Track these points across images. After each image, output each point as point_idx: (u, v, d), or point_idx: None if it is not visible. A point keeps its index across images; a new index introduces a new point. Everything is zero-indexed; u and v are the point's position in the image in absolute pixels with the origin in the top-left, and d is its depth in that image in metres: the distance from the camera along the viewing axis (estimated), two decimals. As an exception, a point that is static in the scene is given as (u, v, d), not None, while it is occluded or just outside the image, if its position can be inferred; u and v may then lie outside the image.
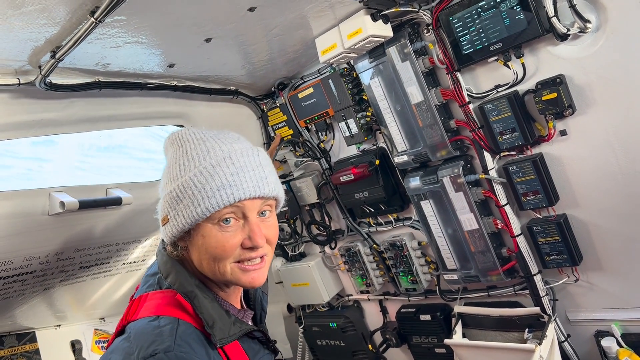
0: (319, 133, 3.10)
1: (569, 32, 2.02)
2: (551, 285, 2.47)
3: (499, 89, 2.29)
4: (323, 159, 3.10)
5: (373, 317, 3.35)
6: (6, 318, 2.98)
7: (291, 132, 3.16)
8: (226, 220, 1.38)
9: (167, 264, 1.46)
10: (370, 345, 3.29)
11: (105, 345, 3.48)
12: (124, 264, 3.17)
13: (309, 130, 3.14)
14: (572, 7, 1.97)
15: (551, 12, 2.00)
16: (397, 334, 3.09)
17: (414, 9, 2.30)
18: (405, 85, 2.47)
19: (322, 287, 3.32)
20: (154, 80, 2.47)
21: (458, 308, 2.69)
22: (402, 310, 3.05)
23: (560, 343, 2.47)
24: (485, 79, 2.34)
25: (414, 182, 2.62)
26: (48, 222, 2.40)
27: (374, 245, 3.03)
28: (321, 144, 3.11)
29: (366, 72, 2.61)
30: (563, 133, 2.21)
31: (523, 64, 2.18)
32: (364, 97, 2.73)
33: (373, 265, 3.08)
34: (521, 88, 2.24)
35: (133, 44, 2.00)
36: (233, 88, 2.99)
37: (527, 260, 2.43)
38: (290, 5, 2.09)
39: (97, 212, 2.57)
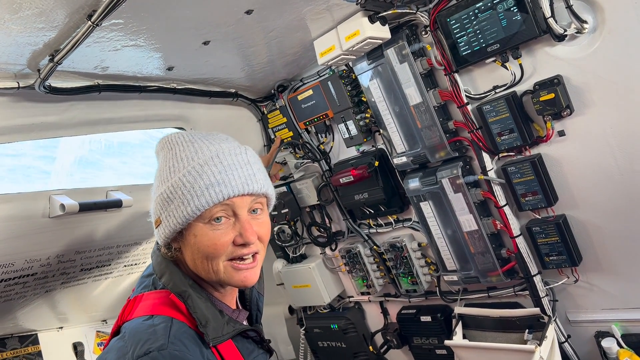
0: (319, 135, 3.10)
1: (566, 33, 2.02)
2: (551, 286, 2.46)
3: (497, 90, 2.29)
4: (323, 160, 3.10)
5: (374, 319, 3.35)
6: (8, 320, 2.99)
7: (291, 134, 3.17)
8: (217, 219, 1.40)
9: (162, 264, 1.48)
10: (371, 347, 3.30)
11: (107, 347, 3.48)
12: (125, 265, 3.19)
13: (308, 132, 3.15)
14: (569, 7, 1.96)
15: (548, 13, 2.00)
16: (398, 336, 3.09)
17: (411, 11, 2.30)
18: (403, 87, 2.47)
19: (323, 288, 3.32)
20: (153, 83, 2.48)
21: (458, 309, 2.69)
22: (402, 312, 3.05)
23: (560, 344, 2.46)
24: (483, 80, 2.34)
25: (413, 184, 2.62)
26: (48, 225, 2.42)
27: (374, 247, 3.03)
28: (321, 145, 3.11)
29: (365, 73, 2.61)
30: (561, 133, 2.21)
31: (521, 65, 2.18)
32: (362, 98, 2.74)
33: (373, 266, 3.09)
34: (519, 89, 2.24)
35: (131, 47, 2.01)
36: (233, 90, 3.00)
37: (526, 261, 2.42)
38: (287, 7, 2.09)
39: (97, 215, 2.58)
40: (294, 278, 3.42)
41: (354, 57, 2.48)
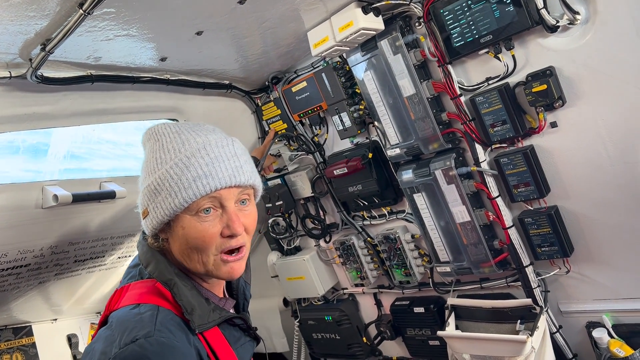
0: (313, 127, 3.10)
1: (558, 24, 2.03)
2: (543, 277, 2.48)
3: (490, 82, 2.30)
4: (317, 152, 3.11)
5: (368, 310, 3.37)
6: (2, 312, 3.00)
7: (285, 126, 3.17)
8: (205, 211, 1.40)
9: (147, 254, 1.49)
10: (365, 338, 3.31)
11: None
12: (119, 257, 3.19)
13: (302, 124, 3.15)
14: (561, -2, 1.97)
15: (540, 4, 2.00)
16: (392, 327, 3.11)
17: (405, 2, 2.31)
18: (397, 78, 2.48)
19: (318, 280, 3.33)
20: (147, 74, 2.47)
21: (451, 300, 2.70)
22: (396, 303, 3.07)
23: (552, 334, 2.48)
24: (476, 72, 2.35)
25: (407, 175, 2.62)
26: (41, 216, 2.41)
27: (368, 239, 3.04)
28: (315, 137, 3.11)
29: (359, 65, 2.61)
30: (553, 125, 2.22)
31: (513, 56, 2.19)
32: (356, 90, 2.74)
33: (367, 258, 3.10)
34: (512, 80, 2.25)
35: (124, 37, 2.00)
36: (227, 82, 2.99)
37: (518, 252, 2.44)
38: (280, -3, 2.09)
39: (91, 206, 2.58)
40: (288, 270, 3.43)
41: (348, 48, 2.48)
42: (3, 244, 2.40)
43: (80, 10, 1.62)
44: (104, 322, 1.40)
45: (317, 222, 3.29)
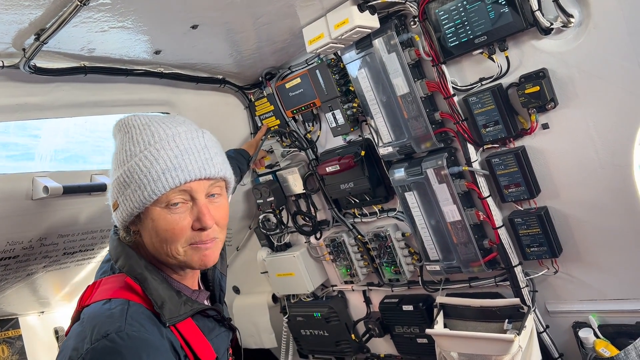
0: (306, 123, 3.10)
1: (552, 26, 2.04)
2: (531, 277, 2.50)
3: (484, 82, 2.32)
4: (309, 149, 3.11)
5: (357, 308, 3.38)
6: (-12, 304, 2.97)
7: (278, 122, 3.17)
8: (174, 204, 1.40)
9: (117, 248, 1.49)
10: (353, 335, 3.32)
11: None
12: (108, 250, 3.16)
13: (295, 120, 3.15)
14: (556, 1, 1.99)
15: (535, 6, 2.02)
16: (380, 324, 3.13)
17: (400, 1, 2.31)
18: (391, 77, 2.48)
19: (307, 277, 3.34)
20: (140, 67, 2.46)
21: (440, 299, 2.72)
22: (385, 301, 3.08)
23: (539, 334, 2.51)
24: (470, 72, 2.36)
25: (399, 174, 2.64)
26: (31, 207, 2.39)
27: (359, 236, 3.05)
28: (308, 134, 3.12)
29: (353, 63, 2.62)
30: (545, 126, 2.24)
31: (507, 57, 2.20)
32: (350, 88, 2.75)
33: (357, 255, 3.11)
34: (505, 81, 2.27)
35: (119, 28, 1.99)
36: (220, 77, 2.99)
37: (508, 251, 2.46)
38: (277, -7, 2.09)
39: (81, 198, 2.56)
40: (278, 266, 3.44)
41: (343, 45, 2.49)
42: (-8, 235, 2.39)
43: (76, 0, 1.61)
44: (76, 318, 1.40)
45: (308, 219, 3.29)
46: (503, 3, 2.08)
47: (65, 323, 3.45)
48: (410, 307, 2.92)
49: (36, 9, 1.67)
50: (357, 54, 2.57)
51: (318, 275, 3.40)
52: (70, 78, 2.21)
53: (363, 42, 2.51)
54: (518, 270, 2.48)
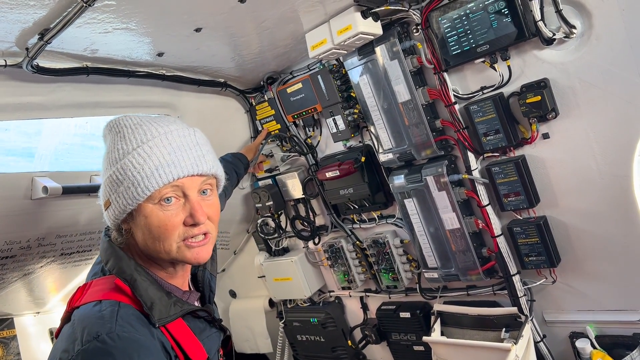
0: (307, 128, 3.11)
1: (554, 37, 2.06)
2: (529, 286, 2.50)
3: (485, 91, 2.32)
4: (309, 154, 3.11)
5: (354, 314, 3.38)
6: (-16, 303, 2.96)
7: (279, 126, 3.17)
8: (167, 200, 1.42)
9: (107, 250, 1.50)
10: (349, 342, 3.32)
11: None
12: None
13: (296, 125, 3.15)
14: (559, 12, 2.00)
15: (538, 17, 2.03)
16: (377, 331, 3.12)
17: (403, 8, 2.32)
18: (392, 84, 2.49)
19: (305, 282, 3.34)
20: (143, 69, 2.46)
21: (437, 306, 2.72)
22: (382, 307, 3.08)
23: (536, 343, 2.51)
24: (472, 80, 2.37)
25: (398, 181, 2.64)
26: (30, 207, 2.38)
27: (357, 242, 3.05)
28: (308, 139, 3.12)
29: (355, 69, 2.62)
30: (546, 136, 2.25)
31: (509, 67, 2.21)
32: (352, 94, 2.75)
33: (355, 262, 3.10)
34: (506, 90, 2.28)
35: (122, 30, 1.99)
36: (222, 80, 2.99)
37: (506, 260, 2.46)
38: (281, -2, 2.10)
39: (80, 199, 2.55)
40: (276, 271, 3.43)
41: (345, 51, 2.49)
42: (-10, 234, 2.38)
43: (81, 1, 1.61)
44: (66, 319, 1.41)
45: (306, 224, 3.29)
46: (506, 13, 2.09)
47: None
48: (407, 314, 2.91)
49: (41, 8, 1.67)
50: (360, 60, 2.58)
51: (315, 281, 3.40)
52: (73, 78, 2.22)
53: (365, 49, 2.52)
54: (516, 279, 2.47)
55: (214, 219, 1.52)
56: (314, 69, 2.88)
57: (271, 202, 3.25)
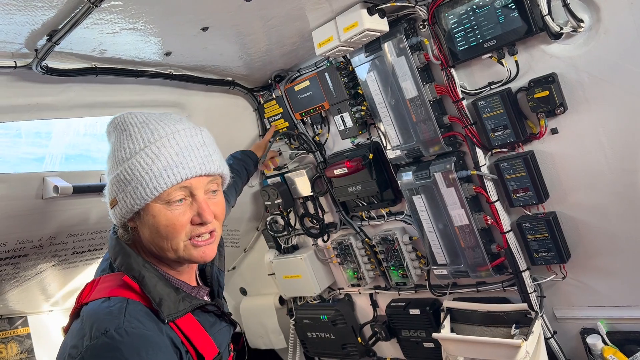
0: (314, 126, 3.11)
1: (562, 31, 2.04)
2: (539, 282, 2.48)
3: (493, 86, 2.31)
4: (318, 152, 3.12)
5: (363, 311, 3.38)
6: (-2, 301, 3.00)
7: (287, 124, 3.18)
8: (176, 200, 1.43)
9: (115, 247, 1.51)
10: (359, 338, 3.32)
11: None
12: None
13: (304, 123, 3.16)
14: (566, 6, 1.98)
15: (545, 11, 2.02)
16: (387, 328, 3.12)
17: (410, 4, 2.32)
18: (400, 80, 2.49)
19: (314, 279, 3.34)
20: (151, 68, 2.48)
21: (447, 303, 2.71)
22: (392, 304, 3.08)
23: (546, 339, 2.50)
24: (479, 76, 2.36)
25: (407, 177, 2.63)
26: (41, 206, 2.41)
27: (366, 239, 3.05)
28: (316, 137, 3.12)
29: (362, 66, 2.62)
30: (554, 131, 2.23)
31: (516, 62, 2.20)
32: (359, 91, 2.75)
33: (364, 259, 3.11)
34: (514, 85, 2.26)
35: (130, 30, 2.00)
36: (230, 79, 3.00)
37: (516, 256, 2.45)
38: (287, -4, 2.10)
39: (91, 198, 2.57)
40: (285, 268, 3.44)
41: (352, 48, 2.49)
42: (2, 234, 2.40)
43: (88, 2, 1.63)
44: (75, 315, 1.42)
45: (315, 221, 3.30)
46: (513, 7, 2.08)
47: (73, 322, 3.47)
48: (417, 311, 2.91)
49: (49, 10, 1.69)
50: (367, 57, 2.57)
51: (325, 278, 3.40)
52: (82, 79, 2.24)
53: (372, 46, 2.52)
54: (526, 276, 2.46)
55: (220, 217, 1.54)
56: (321, 66, 2.88)
57: (280, 200, 3.26)
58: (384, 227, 3.02)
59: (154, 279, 1.45)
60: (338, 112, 2.85)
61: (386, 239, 2.92)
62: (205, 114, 3.03)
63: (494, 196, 2.42)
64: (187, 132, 1.48)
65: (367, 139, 2.90)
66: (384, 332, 3.12)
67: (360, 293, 3.33)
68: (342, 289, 3.44)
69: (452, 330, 2.66)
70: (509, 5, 2.08)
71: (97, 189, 2.55)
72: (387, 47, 2.46)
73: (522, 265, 2.46)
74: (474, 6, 2.17)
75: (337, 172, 2.85)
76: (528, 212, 2.40)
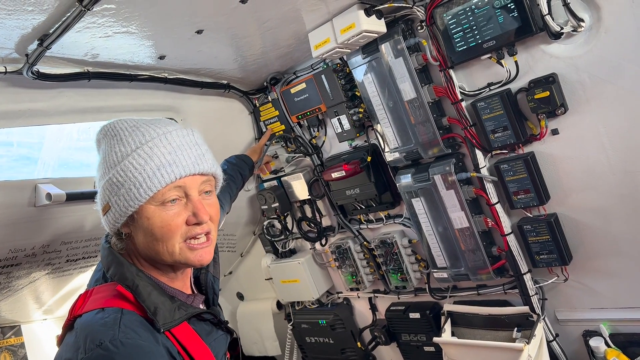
0: (311, 129, 3.08)
1: (562, 31, 2.01)
2: (541, 285, 2.46)
3: (492, 87, 2.28)
4: (315, 155, 3.08)
5: (363, 315, 3.35)
6: (-9, 311, 2.95)
7: (283, 127, 3.14)
8: (170, 200, 1.41)
9: (108, 257, 1.48)
10: (359, 343, 3.29)
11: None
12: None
13: (301, 126, 3.12)
14: (566, 5, 1.96)
15: (545, 10, 1.99)
16: (387, 332, 3.09)
17: (407, 5, 2.29)
18: (398, 82, 2.46)
19: (312, 284, 3.31)
20: (145, 72, 2.44)
21: (447, 306, 2.69)
22: (391, 308, 3.05)
23: (548, 342, 2.47)
24: (478, 77, 2.33)
25: (406, 180, 2.60)
26: (34, 214, 2.36)
27: (365, 243, 3.02)
28: (313, 140, 3.09)
29: (359, 68, 2.59)
30: (555, 132, 2.21)
31: (516, 62, 2.17)
32: (356, 93, 2.72)
33: (363, 262, 3.08)
34: (514, 86, 2.24)
35: (123, 34, 1.96)
36: (225, 82, 2.96)
37: (517, 259, 2.42)
38: (283, -3, 2.07)
39: (84, 205, 2.53)
40: (283, 273, 3.40)
41: (349, 50, 2.46)
42: (-5, 242, 2.36)
43: (80, 5, 1.59)
44: (68, 327, 1.39)
45: (313, 225, 3.26)
46: (512, 7, 2.05)
47: (68, 330, 3.41)
48: (417, 315, 2.88)
49: (39, 14, 1.65)
50: (364, 58, 2.55)
51: (323, 282, 3.37)
52: (74, 84, 2.20)
53: (369, 47, 2.49)
54: (527, 278, 2.44)
55: (215, 219, 1.52)
56: (318, 68, 2.85)
57: (277, 204, 3.23)
58: (382, 230, 2.99)
59: (148, 288, 1.42)
60: (335, 114, 2.82)
61: (385, 242, 2.88)
62: (200, 117, 2.99)
63: (494, 198, 2.40)
64: (179, 132, 1.47)
65: (365, 141, 2.87)
66: (384, 336, 3.09)
67: (359, 297, 3.30)
68: (341, 293, 3.41)
69: (453, 334, 2.64)
70: (508, 5, 2.06)
71: (91, 196, 2.48)
72: (385, 48, 2.43)
73: (524, 267, 2.43)
74: (473, 6, 2.15)
75: (334, 175, 2.82)
76: (529, 214, 2.37)
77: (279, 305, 3.72)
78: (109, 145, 1.45)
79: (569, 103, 2.12)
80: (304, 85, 2.89)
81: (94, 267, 3.05)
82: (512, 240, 2.42)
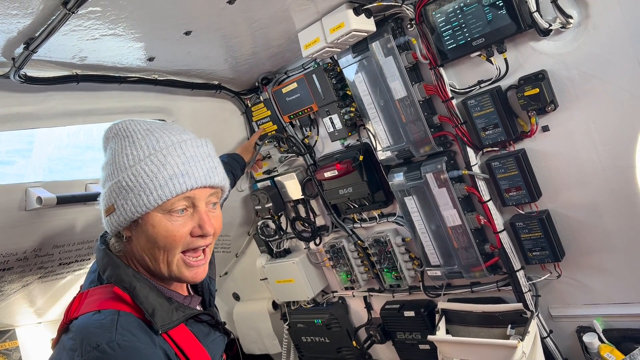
0: (303, 129, 3.07)
1: (551, 28, 2.01)
2: (534, 281, 2.46)
3: (482, 85, 2.28)
4: (307, 154, 3.08)
5: (358, 314, 3.35)
6: (-16, 316, 2.93)
7: (275, 127, 3.13)
8: (178, 210, 1.41)
9: (104, 259, 1.47)
10: (354, 342, 3.28)
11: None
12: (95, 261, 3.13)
13: (293, 125, 3.12)
14: (554, 2, 1.96)
15: (533, 8, 1.99)
16: (382, 330, 3.08)
17: (396, 4, 2.28)
18: (388, 81, 2.45)
19: (307, 283, 3.31)
20: (134, 74, 2.43)
21: (442, 304, 2.69)
22: (386, 307, 3.04)
23: (542, 339, 2.48)
24: (468, 75, 2.33)
25: (398, 178, 2.60)
26: (25, 218, 2.35)
27: (359, 242, 3.02)
28: (305, 139, 3.08)
29: (350, 67, 2.59)
30: (545, 129, 2.21)
31: (506, 60, 2.17)
32: (347, 92, 2.71)
33: (358, 261, 3.07)
34: (504, 83, 2.23)
35: (110, 36, 1.95)
36: (216, 82, 2.96)
37: (509, 256, 2.42)
38: (270, -3, 2.06)
39: (76, 208, 2.52)
40: (278, 273, 3.40)
41: (339, 49, 2.46)
42: (-15, 247, 2.35)
43: (64, 9, 1.58)
44: (64, 330, 1.38)
45: (307, 225, 3.26)
46: (500, 5, 2.05)
47: (63, 333, 3.40)
48: (411, 313, 2.88)
49: (24, 17, 1.64)
50: (354, 57, 2.54)
51: (318, 282, 3.37)
52: (62, 87, 2.19)
53: (359, 46, 2.48)
54: (520, 275, 2.44)
55: (217, 232, 1.52)
56: (309, 68, 2.84)
57: (271, 204, 3.22)
58: (376, 229, 2.99)
59: (145, 289, 1.41)
60: (327, 113, 2.81)
61: (379, 241, 2.88)
62: (192, 118, 2.98)
63: (486, 196, 2.39)
64: (193, 142, 1.46)
65: (357, 140, 2.87)
66: (379, 334, 3.09)
67: (354, 296, 3.30)
68: (336, 292, 3.40)
69: (447, 332, 2.64)
70: (497, 3, 2.05)
71: (82, 199, 2.51)
72: (375, 47, 2.43)
73: (516, 264, 2.43)
74: (462, 4, 2.14)
75: (327, 174, 2.81)
76: (521, 211, 2.37)
77: (275, 305, 3.72)
78: (120, 146, 1.44)
79: (558, 100, 2.12)
80: (295, 85, 2.88)
81: (87, 270, 3.06)
82: (504, 237, 2.42)
